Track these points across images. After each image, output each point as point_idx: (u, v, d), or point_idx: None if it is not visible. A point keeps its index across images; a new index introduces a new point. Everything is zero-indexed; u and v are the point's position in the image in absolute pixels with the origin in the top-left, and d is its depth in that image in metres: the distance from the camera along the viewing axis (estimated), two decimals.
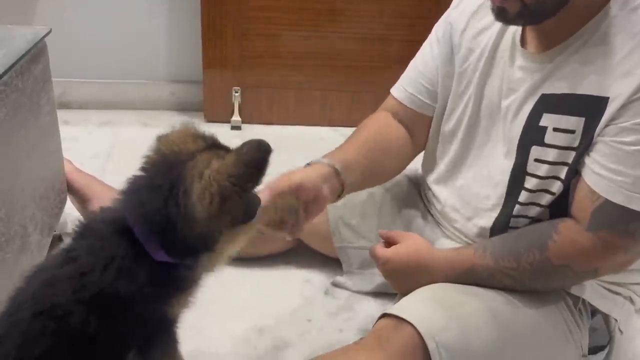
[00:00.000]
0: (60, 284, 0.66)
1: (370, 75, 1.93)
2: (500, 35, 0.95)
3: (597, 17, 0.83)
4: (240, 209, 0.68)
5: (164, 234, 0.66)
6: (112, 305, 0.66)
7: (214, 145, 0.70)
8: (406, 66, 1.13)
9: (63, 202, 1.27)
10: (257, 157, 0.66)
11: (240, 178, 0.65)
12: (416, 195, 1.20)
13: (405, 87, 1.10)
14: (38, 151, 1.09)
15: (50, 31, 1.13)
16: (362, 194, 1.21)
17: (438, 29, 1.07)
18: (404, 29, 1.91)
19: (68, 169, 1.30)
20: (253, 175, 0.66)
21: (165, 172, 0.67)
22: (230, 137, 1.92)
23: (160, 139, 0.71)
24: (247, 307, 1.19)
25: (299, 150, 1.88)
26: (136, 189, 0.69)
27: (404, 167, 1.16)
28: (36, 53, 1.08)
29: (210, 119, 2.01)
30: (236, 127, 1.98)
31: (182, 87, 2.07)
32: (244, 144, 0.67)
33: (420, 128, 1.11)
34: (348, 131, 2.00)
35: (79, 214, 1.34)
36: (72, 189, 1.30)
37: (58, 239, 1.29)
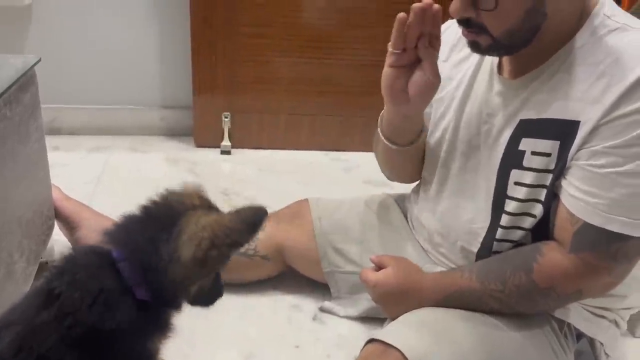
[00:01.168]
0: (46, 329, 0.65)
1: (360, 100, 1.96)
2: (479, 64, 0.98)
3: (566, 46, 0.86)
4: (223, 263, 0.71)
5: (150, 271, 0.68)
6: (100, 341, 0.66)
7: (216, 209, 0.74)
8: None
9: (50, 229, 1.27)
10: (254, 217, 0.70)
11: (233, 232, 0.68)
12: (403, 220, 1.21)
13: None
14: (26, 179, 1.10)
15: (39, 60, 1.14)
16: (351, 220, 1.22)
17: None
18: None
19: (56, 196, 1.30)
20: (246, 233, 0.69)
21: (166, 216, 0.70)
22: (220, 161, 1.97)
23: (169, 190, 0.74)
24: (235, 333, 1.18)
25: (289, 174, 1.90)
26: (133, 224, 0.71)
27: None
28: (25, 82, 1.09)
29: (200, 144, 2.02)
30: (226, 152, 1.99)
31: (172, 112, 2.08)
32: (245, 207, 0.71)
33: None
34: (338, 155, 2.05)
35: (67, 240, 1.34)
36: (60, 216, 1.30)
37: (44, 266, 1.28)
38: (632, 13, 1.89)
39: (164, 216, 0.70)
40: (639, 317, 1.21)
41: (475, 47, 0.89)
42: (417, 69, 0.91)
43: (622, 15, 0.86)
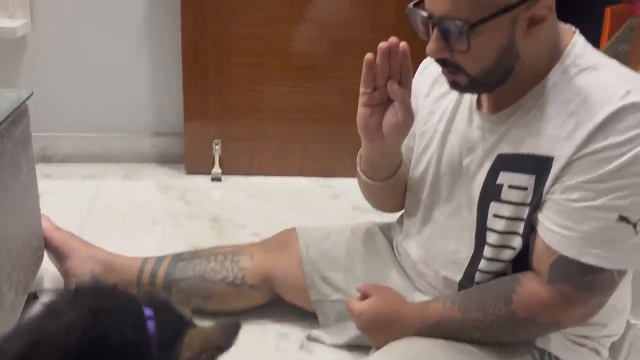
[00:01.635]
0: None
1: (349, 127, 1.95)
2: (459, 100, 1.01)
3: (540, 84, 0.89)
4: None
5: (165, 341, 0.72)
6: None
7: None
8: None
9: (40, 260, 1.28)
10: (235, 333, 0.79)
11: (218, 339, 0.76)
12: (389, 249, 1.22)
13: None
14: (15, 211, 1.11)
15: (32, 94, 1.16)
16: (338, 248, 1.24)
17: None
18: None
19: (46, 226, 1.31)
20: (228, 344, 0.77)
21: (178, 317, 0.77)
22: (210, 188, 1.99)
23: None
24: None
25: (279, 200, 1.92)
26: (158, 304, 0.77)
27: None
28: (17, 116, 1.11)
29: (191, 171, 2.04)
30: (216, 179, 2.01)
31: (163, 139, 2.11)
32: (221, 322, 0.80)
33: None
34: (327, 182, 2.08)
35: (57, 270, 1.35)
36: (50, 247, 1.31)
37: (33, 296, 1.29)
38: (617, 38, 1.95)
39: (176, 316, 0.77)
40: (621, 344, 1.23)
41: (454, 85, 0.92)
42: (390, 107, 0.94)
43: (592, 55, 0.89)
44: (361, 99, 0.97)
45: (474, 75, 0.87)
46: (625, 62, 1.29)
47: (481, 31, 0.81)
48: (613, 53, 1.97)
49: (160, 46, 1.99)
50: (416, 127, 1.08)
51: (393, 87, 0.92)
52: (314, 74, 1.97)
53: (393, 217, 1.26)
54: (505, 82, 0.89)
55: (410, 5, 0.89)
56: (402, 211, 1.19)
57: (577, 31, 0.92)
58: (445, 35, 0.84)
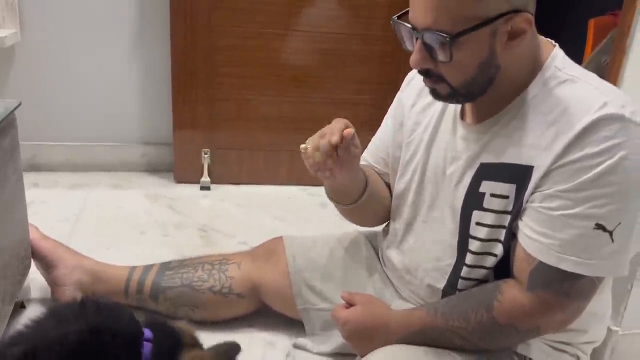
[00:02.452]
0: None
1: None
2: (444, 110, 1.03)
3: (521, 95, 0.91)
4: None
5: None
6: None
7: (200, 345, 0.86)
8: (373, 128, 1.23)
9: (27, 269, 1.28)
10: (229, 350, 0.85)
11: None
12: (374, 258, 1.24)
13: (367, 158, 1.20)
14: (3, 220, 1.11)
15: (19, 104, 1.17)
16: (324, 257, 1.25)
17: (392, 105, 1.17)
18: (370, 93, 2.02)
19: (33, 235, 1.32)
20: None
21: (174, 340, 0.81)
22: (199, 197, 2.00)
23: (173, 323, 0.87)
24: None
25: (267, 209, 1.93)
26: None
27: (385, 219, 1.21)
28: (5, 126, 1.12)
29: (180, 180, 2.05)
30: (205, 188, 2.02)
31: (152, 149, 2.12)
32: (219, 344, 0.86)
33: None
34: (316, 190, 2.09)
35: (44, 279, 1.35)
36: (37, 256, 1.31)
37: (20, 305, 1.29)
38: (601, 49, 1.99)
39: (174, 339, 0.81)
40: (602, 350, 1.25)
41: (435, 94, 0.95)
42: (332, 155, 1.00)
43: (571, 68, 0.92)
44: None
45: (456, 86, 0.90)
46: (607, 73, 1.32)
47: (463, 43, 0.84)
48: (596, 64, 2.01)
49: (149, 56, 2.00)
50: (402, 138, 1.10)
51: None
52: (303, 84, 1.99)
53: (379, 226, 1.28)
54: (485, 93, 0.91)
55: (395, 17, 0.91)
56: (388, 222, 1.21)
57: (557, 45, 0.94)
58: (428, 46, 0.87)
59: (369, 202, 1.13)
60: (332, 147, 0.98)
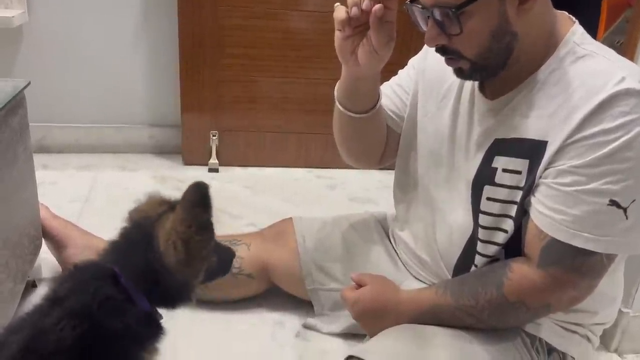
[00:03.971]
0: (50, 332, 0.68)
1: None
2: (462, 83, 1.01)
3: (539, 70, 0.90)
4: (208, 249, 0.75)
5: (146, 285, 0.73)
6: (100, 345, 0.69)
7: (176, 206, 0.77)
8: None
9: (38, 249, 1.29)
10: (197, 197, 0.73)
11: (191, 220, 0.72)
12: (385, 238, 1.24)
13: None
14: (13, 199, 1.12)
15: (29, 84, 1.17)
16: (334, 238, 1.25)
17: (413, 61, 1.12)
18: None
19: (44, 215, 1.32)
20: (201, 214, 0.73)
21: (140, 233, 0.75)
22: (208, 179, 1.98)
23: (131, 211, 0.79)
24: (219, 349, 1.20)
25: (275, 191, 1.93)
26: (117, 248, 0.76)
27: (377, 159, 1.15)
28: (14, 105, 1.11)
29: (188, 162, 2.05)
30: (213, 170, 2.02)
31: (161, 131, 2.11)
32: (185, 191, 0.74)
33: (389, 140, 1.14)
34: (323, 172, 2.09)
35: (55, 259, 1.35)
36: (47, 235, 1.32)
37: (32, 284, 1.30)
38: (614, 29, 1.96)
39: (139, 236, 0.74)
40: (613, 332, 1.25)
41: (459, 73, 0.93)
42: (365, 35, 0.93)
43: (590, 44, 0.90)
44: (337, 24, 0.95)
45: (473, 59, 0.88)
46: (621, 54, 1.30)
47: (471, 12, 0.82)
48: (610, 45, 1.98)
49: (157, 37, 1.99)
50: (417, 100, 1.07)
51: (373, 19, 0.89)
52: (310, 65, 1.98)
53: (389, 207, 1.27)
54: (506, 66, 0.89)
55: (407, 1, 0.89)
56: (398, 200, 1.20)
57: (577, 22, 0.92)
58: (439, 22, 0.85)
59: (375, 121, 1.07)
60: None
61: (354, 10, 0.90)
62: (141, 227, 0.75)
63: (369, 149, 1.15)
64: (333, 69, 1.98)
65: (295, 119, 2.03)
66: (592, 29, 1.95)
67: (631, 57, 1.28)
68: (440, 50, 0.90)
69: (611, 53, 0.89)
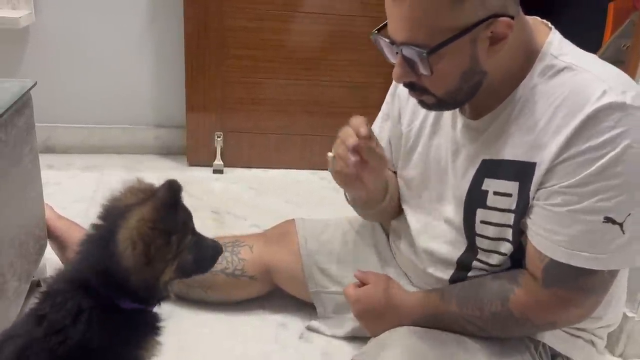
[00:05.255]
0: (40, 345, 0.69)
1: (348, 119, 1.99)
2: None
3: (518, 88, 0.87)
4: (173, 252, 0.69)
5: (116, 285, 0.69)
6: (90, 354, 0.69)
7: (152, 197, 0.71)
8: None
9: (42, 249, 1.29)
10: (168, 197, 0.69)
11: (157, 221, 0.67)
12: (386, 243, 1.23)
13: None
14: (18, 199, 1.12)
15: (35, 84, 1.17)
16: (336, 241, 1.25)
17: (390, 91, 1.13)
18: (381, 76, 1.99)
19: (49, 215, 1.33)
20: (169, 215, 0.68)
21: (106, 226, 0.70)
22: (212, 180, 2.00)
23: (110, 197, 0.74)
24: (222, 350, 1.20)
25: (279, 192, 1.93)
26: (87, 243, 0.73)
27: (395, 215, 1.17)
28: (21, 106, 1.12)
29: (193, 163, 2.05)
30: (218, 171, 2.02)
31: (166, 131, 2.12)
32: (157, 188, 0.70)
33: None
34: (327, 174, 2.06)
35: (59, 259, 1.36)
36: (52, 235, 1.32)
37: (36, 284, 1.30)
38: (620, 33, 1.95)
39: (108, 228, 0.69)
40: (618, 336, 1.24)
41: (423, 105, 0.92)
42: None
43: (567, 54, 0.86)
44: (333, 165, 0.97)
45: (440, 97, 0.87)
46: (627, 57, 1.29)
47: (442, 55, 0.80)
48: (616, 48, 1.97)
49: (163, 38, 2.00)
50: (402, 128, 1.08)
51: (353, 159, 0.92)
52: (314, 67, 1.98)
53: None
54: (473, 97, 0.88)
55: (375, 31, 0.88)
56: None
57: (553, 28, 0.90)
58: (408, 60, 0.83)
59: (390, 203, 1.11)
60: (354, 150, 0.92)
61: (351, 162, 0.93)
62: (108, 219, 0.70)
63: (387, 217, 1.18)
64: (337, 71, 2.02)
65: (300, 121, 2.03)
66: (599, 33, 1.95)
67: (637, 61, 1.27)
68: (408, 85, 0.89)
69: (591, 62, 0.86)
